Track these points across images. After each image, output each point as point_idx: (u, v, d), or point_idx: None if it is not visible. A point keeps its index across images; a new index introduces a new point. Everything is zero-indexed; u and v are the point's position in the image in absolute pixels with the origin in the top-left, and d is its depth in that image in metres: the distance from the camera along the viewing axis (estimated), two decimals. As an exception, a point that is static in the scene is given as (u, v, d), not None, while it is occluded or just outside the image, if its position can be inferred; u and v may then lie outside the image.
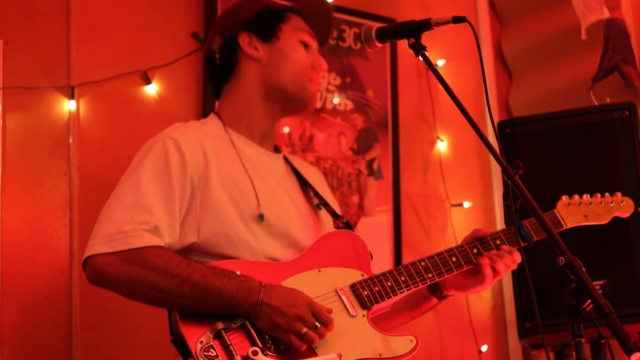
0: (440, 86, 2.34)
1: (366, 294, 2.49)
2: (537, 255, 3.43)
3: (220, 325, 2.30)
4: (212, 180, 2.49)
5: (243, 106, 2.70)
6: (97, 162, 3.46)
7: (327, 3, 2.86)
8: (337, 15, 4.16)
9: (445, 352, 4.27)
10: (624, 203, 2.86)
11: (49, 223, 3.34)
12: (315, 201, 2.78)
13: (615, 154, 3.54)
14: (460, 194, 4.50)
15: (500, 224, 4.54)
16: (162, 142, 2.51)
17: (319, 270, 2.52)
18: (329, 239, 2.63)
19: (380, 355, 2.41)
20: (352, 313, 2.45)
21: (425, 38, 2.44)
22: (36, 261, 3.29)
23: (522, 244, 2.63)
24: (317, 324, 2.33)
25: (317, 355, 2.34)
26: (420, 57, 2.41)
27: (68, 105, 3.44)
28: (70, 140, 3.42)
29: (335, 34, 4.16)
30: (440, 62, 4.53)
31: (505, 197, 2.74)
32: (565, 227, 2.77)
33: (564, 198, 2.81)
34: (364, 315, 2.46)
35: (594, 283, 2.34)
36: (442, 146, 4.52)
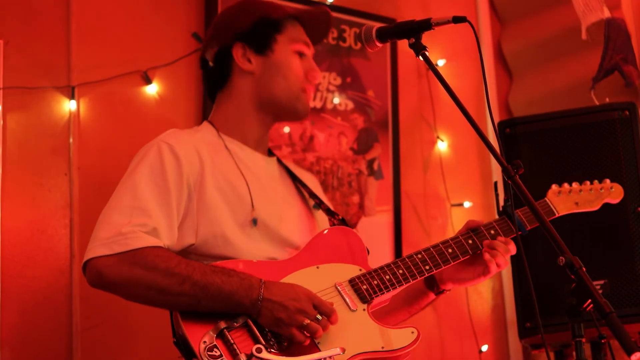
0: (440, 86, 2.35)
1: (365, 287, 2.50)
2: (538, 255, 3.43)
3: (222, 325, 2.30)
4: (207, 183, 2.51)
5: (236, 116, 2.71)
6: (97, 163, 3.46)
7: (326, 9, 2.85)
8: (338, 15, 4.16)
9: (445, 352, 4.27)
10: (613, 189, 2.89)
11: (49, 223, 3.34)
12: (312, 202, 2.78)
13: (615, 153, 3.54)
14: (460, 194, 4.50)
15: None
16: (157, 147, 2.52)
17: (317, 267, 2.53)
18: (325, 236, 2.64)
19: (382, 348, 2.42)
20: (352, 307, 2.46)
21: (426, 38, 2.44)
22: (36, 261, 3.29)
23: (515, 234, 2.64)
24: (318, 315, 2.33)
25: (320, 351, 2.35)
26: (421, 57, 2.41)
27: (68, 106, 3.44)
28: (71, 140, 3.42)
29: (335, 34, 4.16)
30: (441, 62, 4.53)
31: (496, 188, 2.76)
32: (557, 215, 2.79)
33: (554, 186, 2.83)
34: (364, 309, 2.47)
35: (594, 283, 2.34)
36: (442, 146, 4.51)
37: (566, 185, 2.84)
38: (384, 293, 2.52)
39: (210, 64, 2.75)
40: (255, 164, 2.67)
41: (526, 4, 4.76)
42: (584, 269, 2.01)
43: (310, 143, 4.01)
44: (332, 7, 4.15)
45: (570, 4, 4.09)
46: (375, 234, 4.14)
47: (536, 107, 4.27)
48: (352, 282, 2.51)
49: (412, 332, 2.46)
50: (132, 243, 2.33)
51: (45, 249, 3.31)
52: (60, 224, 3.35)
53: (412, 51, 2.44)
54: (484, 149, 4.52)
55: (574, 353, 2.10)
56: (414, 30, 2.44)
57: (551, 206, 2.79)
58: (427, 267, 2.59)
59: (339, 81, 4.17)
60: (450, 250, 2.63)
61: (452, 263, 2.62)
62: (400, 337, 2.45)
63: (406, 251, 4.21)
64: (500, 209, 2.78)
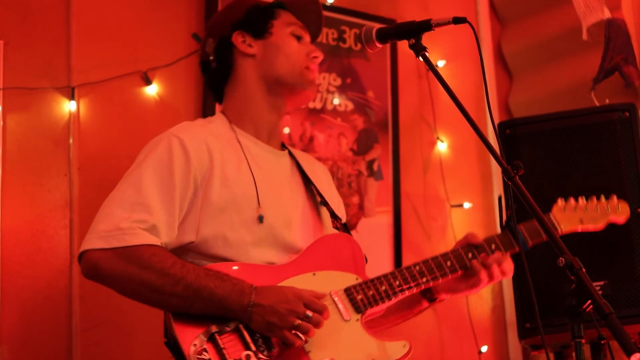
0: (440, 87, 2.34)
1: (360, 298, 2.48)
2: (537, 256, 3.43)
3: (214, 329, 2.31)
4: (215, 180, 2.50)
5: (246, 104, 2.70)
6: (97, 163, 3.46)
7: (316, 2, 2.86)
8: (338, 16, 4.16)
9: (445, 352, 4.27)
10: (620, 208, 2.86)
11: (49, 223, 3.34)
12: (319, 199, 2.78)
13: (615, 155, 3.54)
14: (460, 195, 4.50)
15: (499, 225, 4.54)
16: (168, 141, 2.51)
17: (314, 274, 2.52)
18: (324, 242, 2.63)
19: None
20: (345, 317, 2.45)
21: (426, 39, 2.44)
22: (36, 262, 3.29)
23: (517, 249, 2.65)
24: (308, 313, 2.32)
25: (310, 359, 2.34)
26: (421, 58, 2.41)
27: (68, 106, 3.44)
28: (71, 140, 3.42)
29: (335, 35, 4.16)
30: (441, 63, 4.54)
31: (499, 201, 2.75)
32: (560, 234, 2.76)
33: (560, 202, 2.81)
34: (357, 320, 2.46)
35: (594, 284, 2.34)
36: (442, 147, 4.52)
37: (572, 200, 2.82)
38: (378, 304, 2.50)
39: (211, 57, 2.74)
40: (266, 160, 2.66)
41: (526, 4, 4.76)
42: (584, 269, 2.01)
43: (310, 144, 4.01)
44: (332, 7, 4.15)
45: (570, 5, 4.09)
46: (375, 235, 4.14)
47: (536, 108, 4.27)
48: (348, 291, 2.49)
49: (404, 346, 2.45)
50: (130, 239, 2.33)
51: (45, 249, 3.31)
52: (60, 224, 3.35)
53: (412, 52, 2.43)
54: (483, 150, 4.52)
55: (574, 354, 2.10)
56: (414, 31, 2.44)
57: (555, 223, 2.76)
58: (425, 280, 2.57)
59: (338, 82, 4.17)
60: (449, 263, 2.61)
61: (450, 276, 2.61)
62: (392, 349, 2.45)
63: (406, 252, 4.21)
64: (503, 222, 2.77)
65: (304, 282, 2.45)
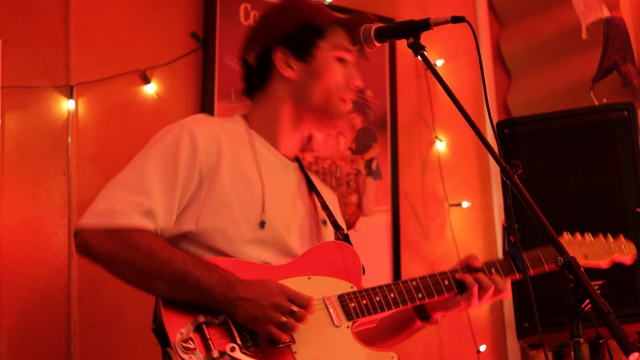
0: (439, 86, 2.35)
1: (353, 305, 2.47)
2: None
3: (202, 319, 2.30)
4: (222, 175, 2.49)
5: (270, 117, 2.68)
6: (95, 162, 3.46)
7: (371, 17, 2.77)
8: (337, 15, 4.16)
9: (443, 351, 4.27)
10: (626, 248, 2.83)
11: (48, 223, 3.34)
12: (322, 216, 2.76)
13: (613, 154, 3.54)
14: (459, 194, 4.50)
15: (498, 224, 4.54)
16: (178, 131, 2.51)
17: (309, 278, 2.51)
18: (323, 248, 2.62)
19: None
20: (336, 323, 2.44)
21: (424, 38, 2.44)
22: (35, 261, 3.29)
23: (517, 275, 2.64)
24: (293, 308, 2.31)
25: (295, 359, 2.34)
26: (419, 57, 2.41)
27: (67, 105, 3.44)
28: (69, 139, 3.42)
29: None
30: (439, 62, 4.54)
31: (506, 230, 2.72)
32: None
33: (566, 235, 2.80)
34: (347, 327, 2.44)
35: (593, 283, 2.34)
36: (440, 146, 4.52)
37: (578, 235, 2.80)
38: (371, 314, 2.49)
39: (252, 64, 2.71)
40: (275, 166, 2.64)
41: (525, 4, 4.76)
42: (582, 269, 2.01)
43: (308, 143, 4.01)
44: (331, 7, 4.15)
45: (568, 4, 4.09)
46: (373, 234, 4.14)
47: (535, 107, 4.27)
48: (341, 298, 2.48)
49: (392, 357, 2.44)
50: (122, 221, 2.34)
51: (44, 248, 3.31)
52: (58, 223, 3.35)
53: (410, 51, 2.43)
54: (482, 149, 4.51)
55: (572, 353, 2.10)
56: (413, 30, 2.44)
57: None
58: (420, 296, 2.55)
59: (337, 81, 4.17)
60: (446, 282, 2.59)
61: (446, 295, 2.59)
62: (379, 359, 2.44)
63: (404, 251, 4.21)
64: (506, 249, 2.75)
65: (298, 285, 2.43)
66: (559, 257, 2.02)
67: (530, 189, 2.21)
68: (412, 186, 4.38)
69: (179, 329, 2.28)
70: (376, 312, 2.49)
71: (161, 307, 2.33)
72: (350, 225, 4.06)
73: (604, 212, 3.46)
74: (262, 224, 2.51)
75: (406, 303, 2.53)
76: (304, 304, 2.34)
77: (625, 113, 3.58)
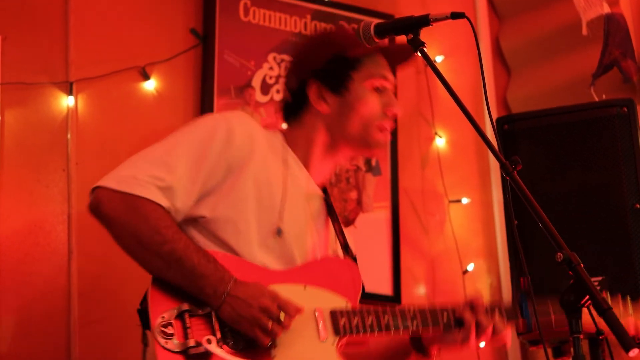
0: (438, 82, 2.34)
1: (343, 322, 2.43)
2: (536, 251, 3.43)
3: (186, 307, 2.30)
4: (248, 172, 2.48)
5: (305, 142, 2.67)
6: (95, 158, 3.46)
7: (409, 47, 2.79)
8: (336, 11, 4.16)
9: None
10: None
11: (47, 219, 3.34)
12: (333, 247, 2.73)
13: (613, 150, 3.54)
14: (458, 190, 4.50)
15: (499, 221, 4.53)
16: (218, 120, 2.52)
17: (305, 287, 2.48)
18: (325, 261, 2.61)
19: None
20: (322, 337, 2.40)
21: (424, 34, 2.43)
22: (34, 257, 3.29)
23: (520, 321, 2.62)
24: (280, 317, 2.29)
25: None
26: (419, 53, 2.40)
27: (66, 101, 3.44)
28: (69, 136, 3.42)
29: (333, 30, 4.16)
30: (439, 58, 4.53)
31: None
32: None
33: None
34: (333, 343, 2.41)
35: (592, 279, 2.34)
36: (440, 142, 4.52)
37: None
38: (359, 334, 2.44)
39: (288, 97, 2.72)
40: (302, 186, 2.62)
41: (524, 0, 4.76)
42: (582, 265, 2.01)
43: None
44: (331, 3, 4.15)
45: (568, 0, 4.09)
46: (373, 230, 4.14)
47: (534, 104, 4.27)
48: (333, 313, 2.44)
49: None
50: (139, 190, 2.34)
51: (43, 244, 3.31)
52: (58, 219, 3.35)
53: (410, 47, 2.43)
54: (482, 145, 4.51)
55: (572, 349, 2.10)
56: (412, 26, 2.43)
57: None
58: (415, 324, 2.50)
59: (337, 77, 4.16)
60: (445, 315, 2.55)
61: (441, 329, 2.54)
62: None
63: (404, 247, 4.21)
64: (514, 293, 2.71)
65: (293, 292, 2.42)
66: (558, 253, 2.02)
67: (530, 185, 2.20)
68: (412, 182, 4.38)
69: (162, 313, 2.28)
70: (365, 333, 2.44)
71: (150, 289, 2.33)
72: (349, 222, 4.06)
73: (604, 208, 3.46)
74: (278, 231, 2.50)
75: (398, 330, 2.48)
76: (292, 313, 2.33)
77: (625, 109, 3.57)
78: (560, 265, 2.02)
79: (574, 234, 3.38)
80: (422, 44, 2.40)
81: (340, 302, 2.50)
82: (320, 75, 2.67)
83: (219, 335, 2.29)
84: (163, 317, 2.28)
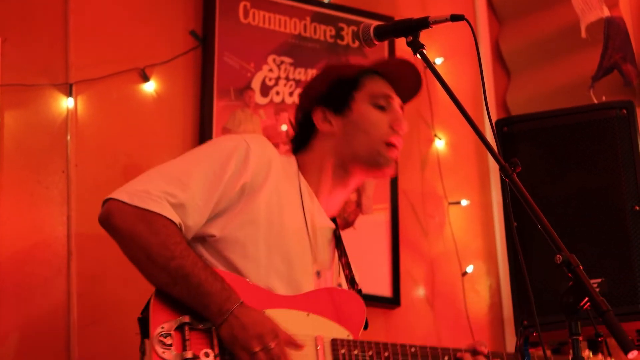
0: (438, 84, 2.34)
1: (343, 352, 2.43)
2: (535, 253, 3.43)
3: (186, 319, 2.30)
4: (261, 196, 2.49)
5: (316, 171, 2.69)
6: (95, 160, 3.46)
7: (408, 61, 2.79)
8: (335, 13, 4.16)
9: (442, 350, 4.27)
10: None
11: (47, 220, 3.34)
12: (338, 280, 2.74)
13: (613, 152, 3.54)
14: (458, 192, 4.50)
15: (498, 223, 4.53)
16: (237, 142, 2.53)
17: (308, 314, 2.49)
18: (331, 292, 2.60)
19: None
20: None
21: (424, 36, 2.44)
22: (34, 258, 3.29)
23: None
24: (270, 346, 2.28)
25: None
26: (418, 55, 2.41)
27: (66, 103, 3.44)
28: (68, 137, 3.42)
29: (333, 32, 4.16)
30: (439, 61, 4.53)
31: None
32: None
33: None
34: None
35: (592, 281, 2.34)
36: (440, 144, 4.52)
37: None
38: None
39: (296, 130, 2.76)
40: (314, 215, 2.64)
41: (524, 2, 4.76)
42: (581, 267, 2.01)
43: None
44: (330, 5, 4.15)
45: (568, 3, 4.09)
46: (372, 232, 4.14)
47: (534, 106, 4.27)
48: (333, 342, 2.44)
49: None
50: (152, 205, 2.35)
51: (43, 246, 3.31)
52: (57, 221, 3.35)
53: (410, 49, 2.43)
54: (481, 148, 4.51)
55: (571, 351, 2.10)
56: (412, 28, 2.44)
57: None
58: None
59: (336, 79, 4.16)
60: (446, 358, 2.59)
61: None
62: None
63: (403, 249, 4.21)
64: (518, 344, 2.73)
65: (294, 318, 2.43)
66: (557, 255, 2.02)
67: (529, 187, 2.21)
68: (411, 184, 4.38)
69: (162, 323, 2.29)
70: None
71: (153, 299, 2.33)
72: (349, 224, 4.06)
73: (603, 210, 3.46)
74: (317, 273, 2.53)
75: None
76: (284, 350, 2.31)
77: (625, 111, 3.57)
78: (559, 267, 2.03)
79: (573, 236, 3.39)
80: (422, 46, 2.41)
81: (342, 333, 2.50)
82: (323, 100, 2.71)
83: (217, 350, 2.29)
84: (163, 327, 2.29)
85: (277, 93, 3.92)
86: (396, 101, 2.76)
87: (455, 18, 2.35)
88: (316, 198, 2.67)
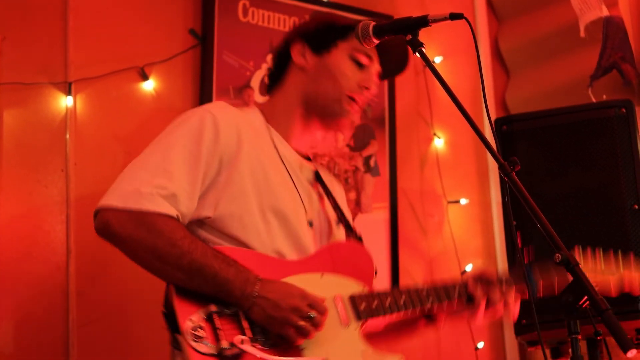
0: (437, 83, 2.34)
1: (363, 307, 2.48)
2: (534, 252, 3.43)
3: (213, 308, 2.30)
4: (241, 163, 2.49)
5: (284, 113, 2.71)
6: (94, 158, 3.46)
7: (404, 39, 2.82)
8: (335, 12, 4.16)
9: (441, 348, 4.28)
10: (636, 267, 2.80)
11: (46, 219, 3.34)
12: (334, 215, 2.77)
13: (612, 151, 3.54)
14: (457, 191, 4.51)
15: (497, 222, 4.54)
16: (201, 115, 2.52)
17: (322, 275, 2.51)
18: (338, 247, 2.62)
19: None
20: (345, 323, 2.44)
21: (423, 35, 2.43)
22: (33, 257, 3.29)
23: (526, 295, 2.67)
24: (311, 314, 2.31)
25: (302, 356, 2.34)
26: (418, 54, 2.41)
27: (65, 101, 3.44)
28: (67, 136, 3.42)
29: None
30: (438, 59, 4.54)
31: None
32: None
33: (577, 249, 2.78)
34: (356, 328, 2.45)
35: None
36: (439, 143, 4.52)
37: (589, 250, 2.78)
38: (380, 316, 2.50)
39: (272, 59, 2.78)
40: (291, 162, 2.66)
41: (524, 1, 4.77)
42: (580, 266, 2.02)
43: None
44: (330, 4, 4.15)
45: (567, 2, 4.09)
46: (371, 231, 4.14)
47: (533, 105, 4.27)
48: (352, 299, 2.48)
49: (400, 359, 2.46)
50: (147, 205, 2.33)
51: (42, 244, 3.31)
52: (56, 219, 3.35)
53: (409, 48, 2.44)
54: (480, 146, 4.49)
55: (570, 350, 2.11)
56: (411, 27, 2.43)
57: None
58: (430, 300, 2.58)
59: (336, 78, 4.16)
60: (457, 291, 2.64)
61: (456, 302, 2.63)
62: None
63: (402, 248, 4.22)
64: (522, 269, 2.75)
65: (310, 282, 2.44)
66: (557, 254, 2.02)
67: (528, 186, 2.21)
68: (411, 183, 4.38)
69: (190, 315, 2.28)
70: (385, 314, 2.50)
71: (173, 293, 2.32)
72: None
73: (602, 208, 3.46)
74: (310, 223, 2.54)
75: (416, 307, 2.56)
76: (322, 310, 2.35)
77: (624, 110, 3.58)
78: (558, 266, 2.03)
79: (573, 235, 3.39)
80: (421, 44, 2.41)
81: (357, 287, 2.54)
82: (306, 36, 2.73)
83: (249, 334, 2.30)
84: (192, 320, 2.28)
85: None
86: (375, 67, 2.76)
87: (454, 17, 2.35)
88: (287, 143, 2.69)
